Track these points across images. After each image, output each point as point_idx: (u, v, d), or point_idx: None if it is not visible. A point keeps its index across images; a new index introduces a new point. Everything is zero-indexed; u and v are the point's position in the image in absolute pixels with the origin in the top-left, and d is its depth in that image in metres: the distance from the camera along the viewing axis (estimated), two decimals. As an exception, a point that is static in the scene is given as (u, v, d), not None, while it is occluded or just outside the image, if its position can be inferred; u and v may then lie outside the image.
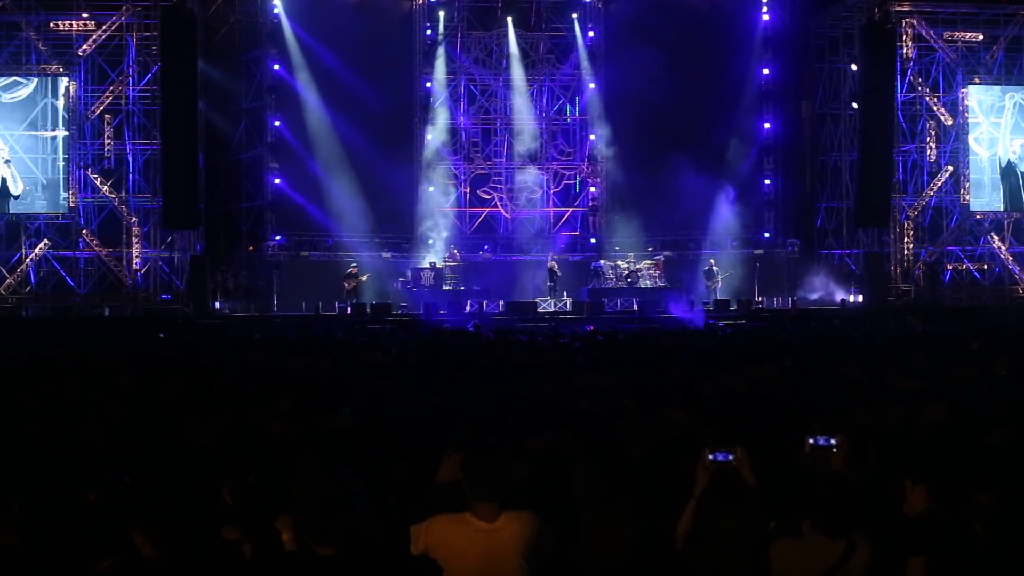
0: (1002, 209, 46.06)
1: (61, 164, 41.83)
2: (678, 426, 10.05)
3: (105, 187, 41.66)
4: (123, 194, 41.93)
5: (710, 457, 7.61)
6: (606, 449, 8.92)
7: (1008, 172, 46.02)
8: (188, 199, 39.53)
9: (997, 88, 46.09)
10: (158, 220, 41.38)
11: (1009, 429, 9.86)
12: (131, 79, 41.88)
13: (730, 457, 7.59)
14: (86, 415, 11.08)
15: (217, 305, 40.35)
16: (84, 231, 41.68)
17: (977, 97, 45.97)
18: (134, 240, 41.82)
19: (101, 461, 8.96)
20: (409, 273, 42.38)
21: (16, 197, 41.39)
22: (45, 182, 41.72)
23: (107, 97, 41.69)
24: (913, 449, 9.00)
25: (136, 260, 41.74)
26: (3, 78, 41.74)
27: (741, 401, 12.05)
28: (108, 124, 42.09)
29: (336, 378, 14.78)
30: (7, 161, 41.22)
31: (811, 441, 8.12)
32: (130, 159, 42.07)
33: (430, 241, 44.20)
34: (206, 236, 42.10)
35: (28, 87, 41.68)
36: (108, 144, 42.09)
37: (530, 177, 47.08)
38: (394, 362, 18.01)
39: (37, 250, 41.41)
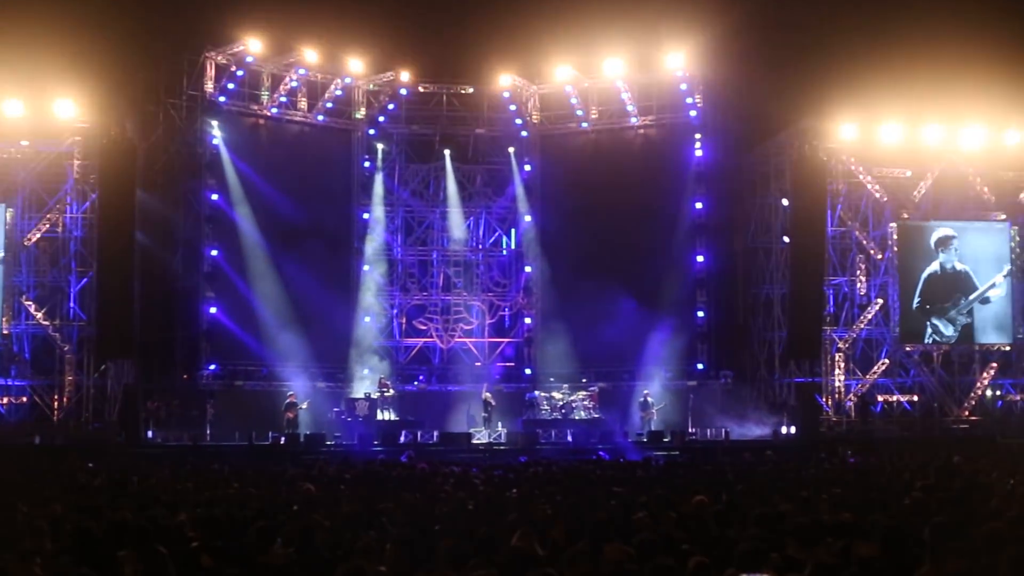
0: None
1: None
2: (611, 563, 10.04)
3: (39, 315, 41.35)
4: (57, 322, 41.62)
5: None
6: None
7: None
8: (123, 327, 39.30)
9: (924, 225, 46.89)
10: (92, 348, 41.03)
11: (939, 565, 9.92)
12: (69, 207, 41.82)
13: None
14: (12, 547, 10.92)
15: (150, 434, 39.83)
16: (16, 358, 41.23)
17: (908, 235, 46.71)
18: (67, 368, 41.39)
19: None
20: (343, 403, 42.19)
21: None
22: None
23: (44, 224, 41.57)
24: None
25: (68, 388, 41.28)
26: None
27: (674, 535, 12.06)
28: (44, 252, 41.91)
29: (269, 510, 14.66)
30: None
31: (743, 578, 8.15)
32: (66, 287, 41.80)
33: (365, 371, 44.07)
34: (140, 364, 41.68)
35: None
36: (43, 271, 41.87)
37: (465, 308, 47.30)
38: (327, 493, 17.88)
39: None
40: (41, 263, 42.05)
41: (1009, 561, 9.04)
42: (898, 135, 45.66)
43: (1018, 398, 47.34)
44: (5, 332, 41.27)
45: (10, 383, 41.60)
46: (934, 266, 46.80)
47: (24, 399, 41.63)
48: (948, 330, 46.73)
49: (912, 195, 46.91)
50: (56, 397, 41.30)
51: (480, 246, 48.36)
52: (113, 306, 39.13)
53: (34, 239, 41.76)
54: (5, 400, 41.58)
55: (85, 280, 41.65)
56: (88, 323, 41.37)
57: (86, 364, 41.59)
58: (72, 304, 41.96)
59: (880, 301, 46.30)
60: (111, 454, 34.00)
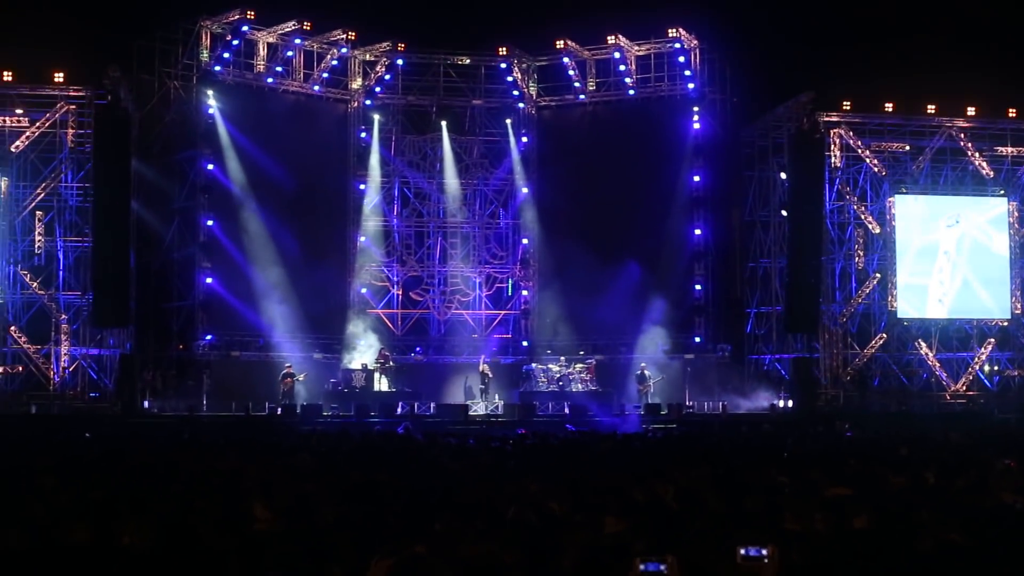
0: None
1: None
2: (609, 535, 9.99)
3: (35, 284, 41.27)
4: (52, 291, 41.54)
5: (641, 567, 7.53)
6: (537, 557, 8.85)
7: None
8: (118, 297, 39.20)
9: (922, 198, 46.84)
10: (88, 318, 40.98)
11: (936, 537, 9.89)
12: (64, 176, 41.70)
13: (661, 567, 7.51)
14: (7, 518, 10.86)
15: (146, 404, 39.84)
16: (12, 328, 41.15)
17: (906, 209, 46.65)
18: (63, 338, 41.33)
19: (23, 567, 8.77)
20: (340, 374, 42.17)
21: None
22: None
23: (39, 193, 41.44)
24: (841, 557, 8.99)
25: (64, 358, 41.23)
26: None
27: (672, 508, 12.02)
28: (40, 221, 41.78)
29: (265, 480, 14.60)
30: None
31: (742, 552, 8.06)
32: (61, 256, 41.73)
33: (361, 342, 43.96)
34: (136, 335, 41.68)
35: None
36: (39, 240, 41.74)
37: (462, 280, 47.29)
38: (323, 465, 17.83)
39: (-38, 347, 40.87)
40: (36, 232, 41.88)
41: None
42: (896, 108, 45.58)
43: (1016, 374, 47.36)
44: (0, 301, 41.14)
45: (5, 351, 41.48)
46: (932, 240, 46.74)
47: (20, 369, 41.54)
48: (946, 305, 46.69)
49: (911, 169, 46.84)
50: (52, 367, 41.22)
51: (477, 218, 48.26)
52: (109, 276, 39.01)
53: (29, 208, 41.61)
54: (1, 370, 41.51)
55: (81, 250, 41.53)
56: (84, 293, 41.27)
57: (82, 334, 41.55)
58: (68, 274, 41.85)
59: (878, 275, 46.30)
60: (108, 424, 34.01)
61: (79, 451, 21.51)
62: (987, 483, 14.00)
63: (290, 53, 45.45)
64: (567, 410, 40.16)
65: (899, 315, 46.34)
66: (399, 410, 39.62)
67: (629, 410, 40.07)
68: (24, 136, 41.46)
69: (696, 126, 46.00)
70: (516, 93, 47.93)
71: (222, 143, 43.22)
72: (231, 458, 18.89)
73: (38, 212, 41.92)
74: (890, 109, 45.80)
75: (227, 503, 11.85)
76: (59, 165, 41.80)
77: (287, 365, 41.20)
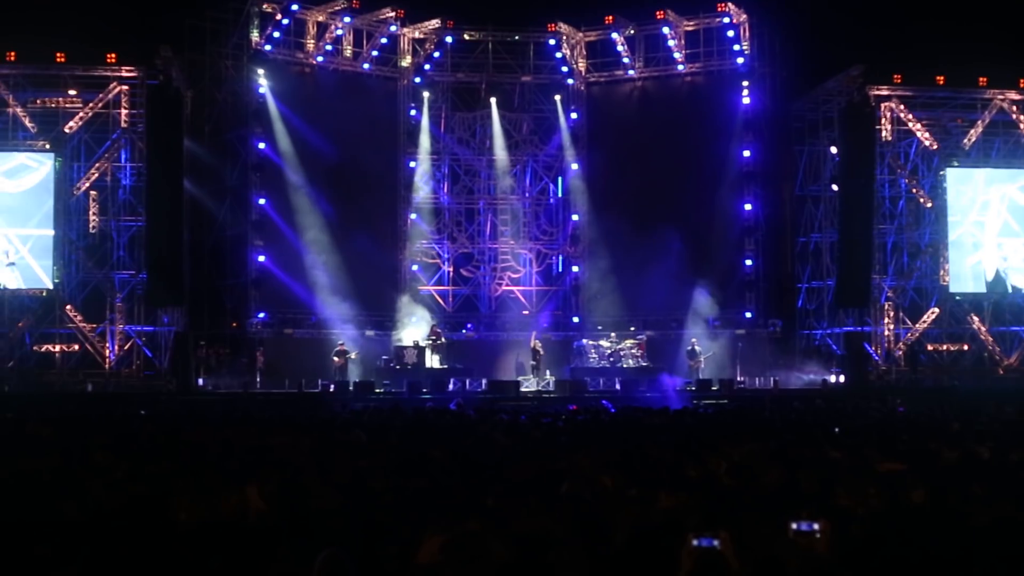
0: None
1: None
2: (662, 510, 10.01)
3: (90, 263, 41.68)
4: (107, 270, 41.92)
5: (694, 543, 7.53)
6: (589, 533, 8.87)
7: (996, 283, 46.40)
8: (172, 276, 39.50)
9: (974, 172, 46.45)
10: (142, 296, 41.34)
11: (992, 512, 9.85)
12: (117, 156, 42.04)
13: (715, 543, 7.51)
14: (65, 493, 11.00)
15: (200, 382, 40.14)
16: (68, 307, 41.57)
17: (957, 183, 46.27)
18: (117, 316, 41.72)
19: (80, 540, 8.87)
20: (392, 351, 42.34)
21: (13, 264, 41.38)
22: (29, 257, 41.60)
23: (93, 173, 41.79)
24: (895, 532, 8.97)
25: (119, 336, 41.62)
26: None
27: (724, 483, 12.03)
28: (94, 200, 42.14)
29: (319, 457, 14.70)
30: (11, 264, 41.35)
31: (794, 526, 8.05)
32: (115, 235, 42.09)
33: (413, 319, 44.08)
34: (190, 313, 42.00)
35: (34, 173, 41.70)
36: (93, 220, 42.11)
37: (512, 256, 47.33)
38: (376, 441, 17.92)
39: (20, 325, 41.23)
40: (91, 212, 42.25)
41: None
42: (948, 81, 45.15)
43: (1070, 347, 46.89)
44: (56, 281, 41.56)
45: (61, 331, 41.91)
46: (984, 213, 46.36)
47: (76, 347, 41.96)
48: (999, 278, 46.30)
49: (962, 142, 46.43)
50: (107, 345, 41.63)
51: (527, 194, 48.29)
52: (163, 255, 39.33)
53: (83, 188, 41.98)
54: (58, 348, 41.95)
55: (135, 228, 41.88)
56: (138, 271, 41.63)
57: (136, 313, 41.91)
58: (122, 253, 42.21)
59: (930, 249, 45.97)
60: (163, 402, 34.32)
61: (134, 428, 21.72)
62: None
63: (339, 31, 45.53)
64: (618, 386, 40.16)
65: (951, 289, 46.00)
66: (451, 387, 39.74)
67: (666, 381, 39.55)
68: (77, 117, 41.84)
69: (746, 101, 45.73)
70: (565, 69, 47.81)
71: (273, 122, 43.40)
72: (285, 435, 19.03)
73: (92, 192, 42.29)
74: (941, 82, 45.38)
75: (282, 480, 11.94)
76: (112, 145, 42.13)
77: (339, 342, 41.38)
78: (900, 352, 45.14)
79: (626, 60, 47.61)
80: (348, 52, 46.10)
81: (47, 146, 41.85)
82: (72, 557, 8.31)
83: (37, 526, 9.66)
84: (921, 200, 46.11)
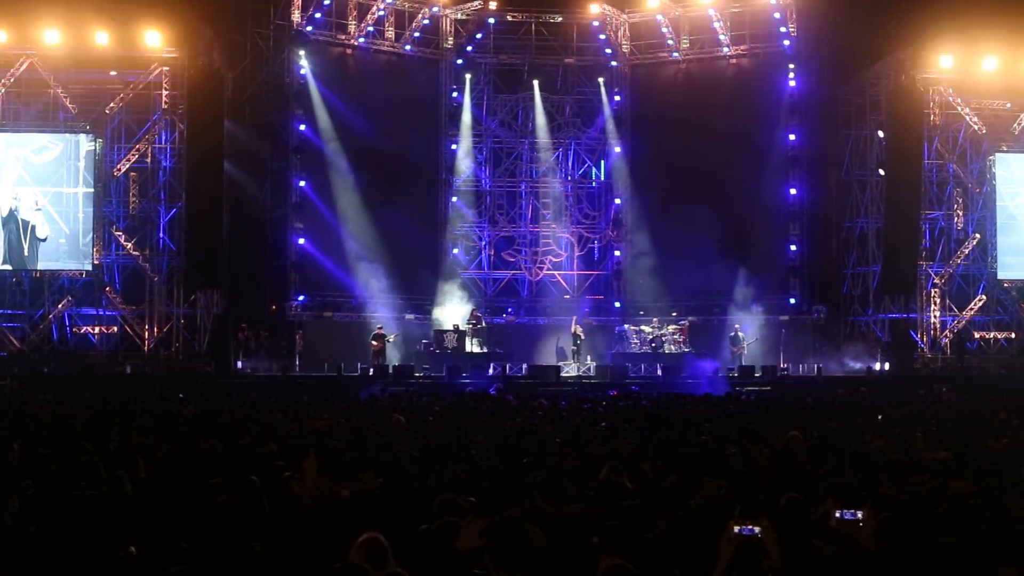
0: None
1: (81, 218, 41.63)
2: (705, 497, 9.88)
3: (129, 245, 41.71)
4: (147, 252, 41.95)
5: (736, 530, 7.44)
6: (629, 518, 8.74)
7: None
8: (212, 258, 39.56)
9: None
10: (181, 278, 41.36)
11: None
12: (157, 138, 42.07)
13: (756, 531, 7.41)
14: (104, 472, 10.96)
15: (239, 365, 40.17)
16: (107, 289, 41.67)
17: (1006, 168, 45.70)
18: (157, 298, 41.77)
19: (134, 516, 8.77)
20: (432, 335, 42.28)
21: (43, 240, 41.26)
22: (67, 239, 41.60)
23: (133, 155, 41.82)
24: (938, 522, 8.82)
25: (158, 319, 41.68)
26: (33, 137, 41.83)
27: (766, 471, 11.88)
28: (134, 182, 42.19)
29: (358, 440, 14.63)
30: (38, 208, 41.17)
31: (837, 515, 7.98)
32: (155, 217, 42.12)
33: (453, 303, 43.98)
34: (229, 295, 41.95)
35: (54, 150, 41.64)
36: (133, 202, 42.17)
37: (554, 240, 47.16)
38: (415, 425, 17.86)
39: (60, 307, 41.35)
40: (131, 194, 42.29)
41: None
42: (998, 65, 44.52)
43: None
44: (96, 263, 41.63)
45: (101, 313, 42.01)
46: (1034, 199, 45.87)
47: (115, 329, 42.06)
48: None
49: (1012, 127, 45.86)
50: (146, 327, 41.70)
51: (569, 177, 48.05)
52: (202, 236, 39.41)
53: (123, 169, 42.00)
54: (97, 330, 42.06)
55: (175, 210, 41.88)
56: (177, 253, 41.66)
57: (176, 294, 41.95)
58: (162, 235, 42.22)
59: (978, 236, 45.43)
60: (201, 384, 34.37)
61: (174, 410, 21.74)
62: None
63: (381, 12, 45.39)
64: (659, 372, 39.96)
65: (999, 276, 45.46)
66: (491, 371, 39.63)
67: (703, 367, 39.13)
68: (118, 98, 41.82)
69: (792, 84, 45.35)
70: (609, 51, 47.55)
71: (313, 103, 43.36)
72: (324, 418, 19.02)
73: (132, 173, 42.29)
74: (991, 66, 44.78)
75: (320, 463, 11.84)
76: (153, 127, 42.13)
77: (378, 326, 41.30)
78: (946, 339, 44.65)
79: (670, 42, 47.26)
80: (389, 33, 45.97)
81: (88, 127, 41.83)
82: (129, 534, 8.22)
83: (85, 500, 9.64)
84: (969, 185, 45.58)
